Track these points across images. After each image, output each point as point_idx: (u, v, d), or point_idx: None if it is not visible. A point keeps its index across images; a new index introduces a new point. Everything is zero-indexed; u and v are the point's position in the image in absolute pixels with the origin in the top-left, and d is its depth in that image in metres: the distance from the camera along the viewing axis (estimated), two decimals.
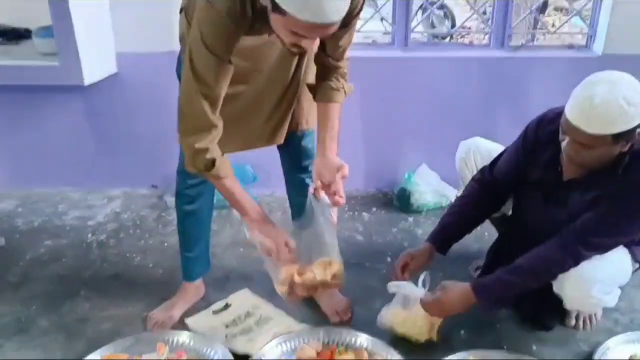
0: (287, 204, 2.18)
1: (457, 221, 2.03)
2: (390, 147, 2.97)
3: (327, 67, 1.70)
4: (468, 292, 1.78)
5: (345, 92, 1.74)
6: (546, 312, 1.98)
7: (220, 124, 1.56)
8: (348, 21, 1.50)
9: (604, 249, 1.74)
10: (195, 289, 2.10)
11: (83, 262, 2.39)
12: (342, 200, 1.63)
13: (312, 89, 1.77)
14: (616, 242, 1.77)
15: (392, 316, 1.90)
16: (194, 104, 1.50)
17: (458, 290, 1.81)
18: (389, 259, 2.38)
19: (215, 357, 1.79)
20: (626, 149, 1.65)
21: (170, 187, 2.70)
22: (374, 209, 2.86)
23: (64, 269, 2.34)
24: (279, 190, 2.89)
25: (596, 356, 1.77)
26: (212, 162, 1.56)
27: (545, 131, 1.85)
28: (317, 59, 1.72)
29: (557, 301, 1.85)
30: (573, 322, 1.99)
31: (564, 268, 1.74)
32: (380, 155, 2.95)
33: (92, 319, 2.01)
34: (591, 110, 1.55)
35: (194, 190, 1.94)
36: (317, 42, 1.47)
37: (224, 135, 1.59)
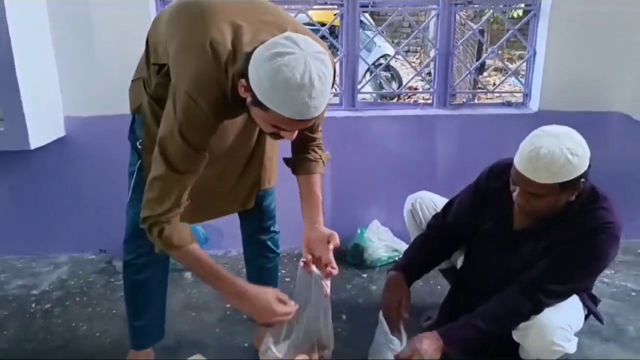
0: (241, 264, 2.15)
1: (420, 255, 2.08)
2: (342, 204, 3.01)
3: (302, 141, 1.69)
4: (437, 340, 1.78)
5: (323, 162, 1.76)
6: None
7: (184, 204, 1.52)
8: None
9: (562, 296, 1.80)
10: (144, 355, 2.02)
11: (26, 334, 2.28)
12: (335, 271, 1.62)
13: (290, 162, 1.77)
14: (572, 289, 1.83)
15: None
16: (165, 191, 1.46)
17: (428, 339, 1.79)
18: (344, 317, 2.38)
19: None
20: (573, 197, 1.76)
21: (119, 251, 2.64)
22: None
23: (5, 341, 2.23)
24: (233, 250, 2.89)
25: None
26: (161, 231, 1.48)
27: (496, 182, 1.94)
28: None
29: (513, 350, 1.88)
30: None
31: (526, 315, 1.77)
32: (333, 213, 2.98)
33: None
34: (538, 161, 1.66)
35: (143, 259, 1.85)
36: (296, 132, 1.45)
37: (196, 206, 1.57)
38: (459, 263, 2.20)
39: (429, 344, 1.78)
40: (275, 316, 1.57)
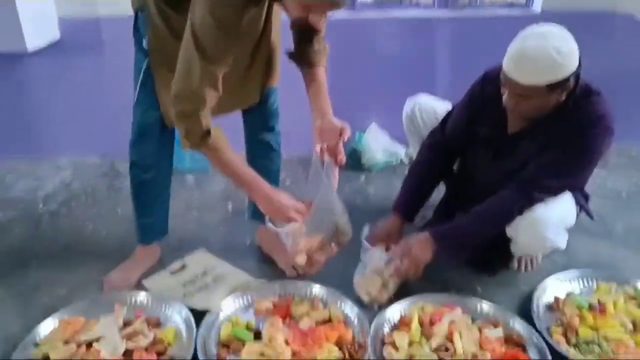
0: None
1: (417, 187, 2.10)
2: (340, 109, 2.98)
3: (308, 32, 1.69)
4: (428, 240, 1.85)
5: (327, 53, 1.76)
6: (493, 257, 2.09)
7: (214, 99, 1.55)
8: None
9: (556, 190, 1.84)
10: (151, 252, 2.11)
11: (34, 233, 2.36)
12: (344, 159, 1.69)
13: (295, 55, 1.76)
14: (566, 184, 1.86)
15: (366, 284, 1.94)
16: (194, 82, 1.49)
17: (420, 240, 1.87)
18: None
19: (174, 315, 1.82)
20: (563, 98, 1.74)
21: (120, 155, 2.68)
22: None
23: (15, 240, 2.31)
24: None
25: (535, 294, 1.89)
26: (208, 132, 1.56)
27: (490, 88, 1.92)
28: (297, 25, 1.71)
29: (503, 247, 1.96)
30: (516, 265, 2.10)
31: (519, 211, 1.82)
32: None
33: (46, 286, 2.00)
34: (523, 62, 1.64)
35: (149, 160, 1.91)
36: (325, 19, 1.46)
37: None
38: (456, 166, 2.24)
39: (420, 245, 1.85)
40: (291, 212, 1.66)
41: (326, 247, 1.78)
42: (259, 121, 2.02)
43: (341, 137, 1.68)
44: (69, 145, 2.94)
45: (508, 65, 1.69)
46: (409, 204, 2.08)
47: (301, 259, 1.75)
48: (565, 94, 1.74)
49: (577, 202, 1.96)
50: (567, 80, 1.67)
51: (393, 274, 1.88)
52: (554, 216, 1.85)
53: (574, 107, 1.78)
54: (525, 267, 2.10)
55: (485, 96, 1.95)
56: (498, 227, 1.88)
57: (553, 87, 1.67)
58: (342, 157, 1.68)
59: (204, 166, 2.86)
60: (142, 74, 1.75)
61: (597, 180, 2.73)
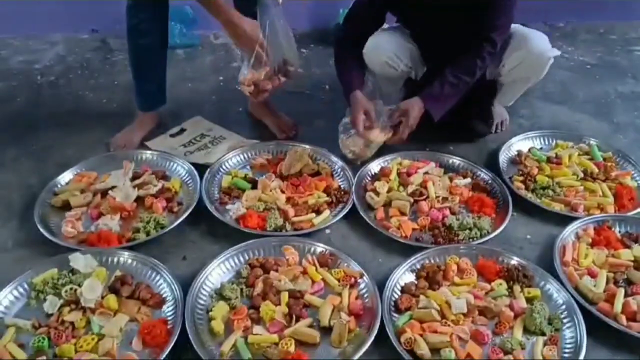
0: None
1: (353, 73, 2.11)
2: None
3: None
4: (418, 102, 1.99)
5: None
6: (476, 121, 2.25)
7: None
8: None
9: (506, 27, 1.99)
10: (151, 117, 2.27)
11: (37, 101, 2.48)
12: None
13: None
14: (511, 18, 1.98)
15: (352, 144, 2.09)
16: None
17: (412, 104, 1.99)
18: (327, 87, 2.63)
19: (178, 169, 2.02)
20: None
21: (111, 31, 2.76)
22: (312, 45, 3.03)
23: (20, 107, 2.44)
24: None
25: (501, 150, 2.12)
26: None
27: None
28: None
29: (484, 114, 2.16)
30: (493, 129, 2.31)
31: (487, 57, 1.97)
32: None
33: (56, 146, 2.16)
34: None
35: (146, 25, 2.00)
36: None
37: None
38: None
39: (415, 105, 1.98)
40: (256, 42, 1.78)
41: (273, 78, 1.90)
42: None
43: None
44: (60, 21, 2.97)
45: None
46: (355, 82, 2.10)
47: (247, 89, 1.90)
48: None
49: None
50: None
51: (391, 138, 2.03)
52: (543, 41, 2.03)
53: None
54: (496, 128, 2.31)
55: None
56: (474, 77, 2.00)
57: None
58: None
59: (192, 41, 2.96)
60: None
61: (565, 55, 2.91)
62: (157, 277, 1.56)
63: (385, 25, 2.21)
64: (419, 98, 2.00)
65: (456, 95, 2.03)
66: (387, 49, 2.09)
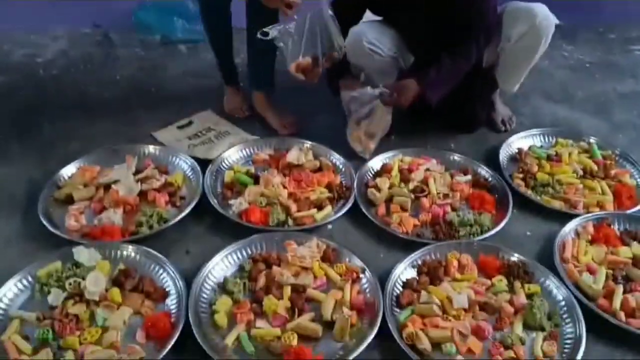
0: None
1: None
2: None
3: None
4: (413, 82, 1.98)
5: None
6: (471, 117, 2.28)
7: None
8: None
9: (489, 13, 2.01)
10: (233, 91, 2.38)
11: (41, 95, 2.49)
12: None
13: None
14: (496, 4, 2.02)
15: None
16: None
17: (407, 84, 1.99)
18: None
19: (180, 163, 2.03)
20: None
21: (114, 26, 2.77)
22: None
23: (24, 101, 2.44)
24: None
25: (502, 148, 2.14)
26: None
27: None
28: None
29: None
30: (502, 127, 2.32)
31: (481, 41, 2.00)
32: None
33: (60, 140, 2.17)
34: None
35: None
36: None
37: None
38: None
39: (410, 84, 1.97)
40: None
41: (320, 63, 1.86)
42: None
43: None
44: (63, 16, 2.97)
45: None
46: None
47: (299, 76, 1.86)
48: None
49: None
50: None
51: (385, 101, 2.01)
52: (537, 4, 2.04)
53: None
54: (505, 127, 2.32)
55: None
56: (469, 63, 2.02)
57: None
58: None
59: (195, 36, 2.96)
60: None
61: (565, 54, 2.93)
62: (161, 271, 1.57)
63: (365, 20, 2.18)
64: (414, 79, 1.98)
65: (452, 79, 2.02)
66: (367, 36, 2.06)
